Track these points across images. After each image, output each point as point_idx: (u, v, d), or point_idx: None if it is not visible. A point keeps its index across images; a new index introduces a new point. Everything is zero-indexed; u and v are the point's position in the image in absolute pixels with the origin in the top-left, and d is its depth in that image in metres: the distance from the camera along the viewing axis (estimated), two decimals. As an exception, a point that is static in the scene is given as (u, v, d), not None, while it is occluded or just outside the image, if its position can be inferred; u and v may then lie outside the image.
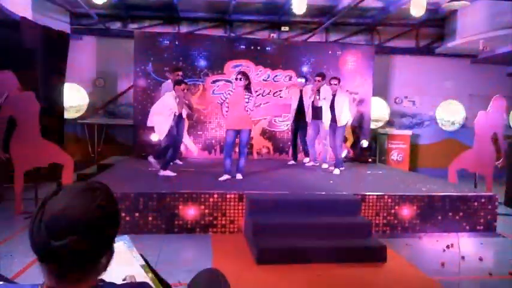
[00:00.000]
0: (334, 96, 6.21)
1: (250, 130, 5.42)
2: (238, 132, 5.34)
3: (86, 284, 0.96)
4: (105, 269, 1.00)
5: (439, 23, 9.17)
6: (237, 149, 5.62)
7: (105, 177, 5.43)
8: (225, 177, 5.31)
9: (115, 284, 1.04)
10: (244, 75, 5.34)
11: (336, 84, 6.19)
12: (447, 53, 9.19)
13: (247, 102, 5.23)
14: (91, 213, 0.91)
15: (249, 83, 5.35)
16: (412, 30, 9.28)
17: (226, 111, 5.57)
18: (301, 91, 6.94)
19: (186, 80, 7.27)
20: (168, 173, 5.48)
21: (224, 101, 5.44)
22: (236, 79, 5.35)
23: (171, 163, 5.83)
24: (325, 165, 6.75)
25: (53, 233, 0.88)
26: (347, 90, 6.42)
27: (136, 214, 4.34)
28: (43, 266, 0.93)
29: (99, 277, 1.01)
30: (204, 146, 7.76)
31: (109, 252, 0.99)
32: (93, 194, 0.95)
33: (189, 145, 7.57)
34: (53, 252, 0.88)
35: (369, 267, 3.67)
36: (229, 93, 5.41)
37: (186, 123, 7.30)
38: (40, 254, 0.91)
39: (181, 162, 6.80)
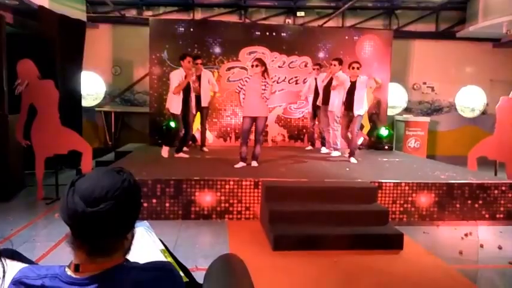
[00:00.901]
0: (354, 82, 5.91)
1: (266, 118, 5.43)
2: (254, 120, 5.34)
3: (112, 261, 1.00)
4: (129, 248, 1.06)
5: (460, 6, 8.88)
6: (252, 136, 5.62)
7: (123, 164, 5.52)
8: (241, 164, 5.35)
9: (138, 263, 1.07)
10: (261, 61, 5.34)
11: (358, 69, 5.87)
12: (468, 37, 8.89)
13: (264, 90, 5.21)
14: (120, 184, 1.00)
15: (266, 70, 5.32)
16: (432, 14, 9.01)
17: (243, 99, 5.55)
18: (315, 78, 6.93)
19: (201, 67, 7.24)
20: (181, 155, 5.93)
21: (242, 88, 5.40)
22: (252, 66, 5.37)
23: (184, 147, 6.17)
24: (336, 153, 6.58)
25: (89, 202, 0.95)
26: (371, 78, 6.03)
27: (154, 200, 4.41)
28: (74, 241, 0.98)
29: (125, 256, 1.06)
30: (220, 134, 7.78)
31: (132, 231, 1.06)
32: (118, 173, 1.03)
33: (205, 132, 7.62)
34: (89, 219, 0.94)
35: (385, 254, 3.66)
36: (246, 81, 5.38)
37: (205, 113, 7.30)
38: (77, 223, 0.96)
39: (206, 150, 6.88)
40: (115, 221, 0.97)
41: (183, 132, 5.84)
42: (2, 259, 1.00)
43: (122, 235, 1.03)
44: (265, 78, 5.28)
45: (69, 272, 0.98)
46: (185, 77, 5.69)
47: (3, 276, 0.96)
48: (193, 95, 5.95)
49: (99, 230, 0.96)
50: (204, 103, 6.60)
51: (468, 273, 3.33)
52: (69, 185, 1.00)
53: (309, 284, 3.07)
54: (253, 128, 5.44)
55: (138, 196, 1.06)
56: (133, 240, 1.08)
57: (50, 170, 5.40)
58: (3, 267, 0.94)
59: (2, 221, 4.29)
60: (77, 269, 0.98)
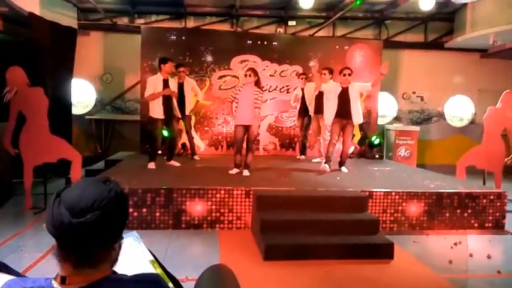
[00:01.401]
0: (346, 88, 5.80)
1: (258, 126, 5.56)
2: (246, 128, 5.40)
3: (99, 273, 0.99)
4: (116, 259, 1.05)
5: (448, 17, 9.05)
6: (244, 145, 5.62)
7: (113, 172, 5.47)
8: (235, 170, 5.52)
9: (126, 275, 1.06)
10: (254, 71, 5.40)
11: (349, 75, 5.78)
12: (456, 48, 9.06)
13: (257, 99, 5.28)
14: (105, 195, 0.99)
15: (258, 80, 5.40)
16: (421, 24, 9.17)
17: (236, 108, 5.59)
18: (302, 88, 7.05)
19: (191, 75, 7.31)
20: (172, 163, 5.96)
21: (235, 98, 5.47)
22: (245, 75, 5.41)
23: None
24: (316, 160, 6.89)
25: (75, 212, 0.94)
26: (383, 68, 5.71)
27: (144, 210, 4.37)
28: (60, 252, 0.97)
29: (112, 267, 1.05)
30: (211, 142, 7.77)
31: (119, 241, 1.06)
32: (104, 183, 1.03)
33: (196, 141, 7.60)
34: (74, 230, 0.94)
35: (376, 264, 3.67)
36: (239, 90, 5.44)
37: (192, 121, 7.35)
38: (62, 234, 0.96)
39: (197, 158, 6.87)
40: (101, 231, 0.97)
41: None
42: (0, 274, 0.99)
43: (108, 246, 1.02)
44: (257, 88, 5.34)
45: (55, 285, 0.98)
46: (163, 87, 5.67)
47: None
48: (174, 100, 5.94)
49: (86, 241, 0.96)
50: (187, 111, 6.64)
51: (458, 282, 3.36)
52: (55, 195, 0.99)
53: (300, 294, 3.05)
54: (245, 136, 5.48)
55: (125, 206, 1.05)
56: (121, 250, 1.07)
57: (38, 179, 5.33)
58: None
59: (-11, 231, 4.21)
60: (63, 281, 0.97)
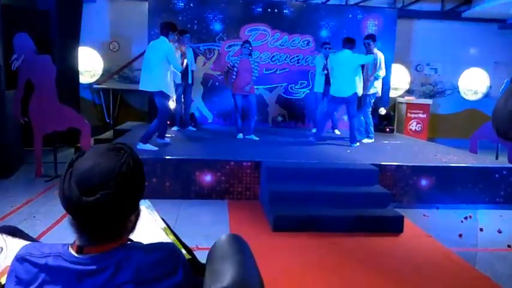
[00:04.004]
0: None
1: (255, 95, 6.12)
2: (245, 97, 5.95)
3: (115, 243, 0.98)
4: (133, 228, 1.04)
5: (468, -15, 8.65)
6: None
7: (122, 142, 5.46)
8: (241, 135, 6.10)
9: (141, 243, 1.05)
10: (249, 42, 6.07)
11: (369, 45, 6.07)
12: (474, 17, 8.70)
13: (256, 69, 5.91)
14: (118, 169, 0.93)
15: (251, 51, 6.05)
16: (438, -8, 8.80)
17: (234, 77, 5.93)
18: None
19: (199, 44, 7.20)
20: (148, 146, 4.92)
21: (232, 68, 5.90)
22: (245, 47, 5.91)
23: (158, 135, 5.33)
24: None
25: (84, 190, 0.90)
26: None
27: (154, 179, 4.38)
28: (75, 224, 0.95)
29: (128, 236, 1.04)
30: (219, 113, 7.70)
31: (136, 211, 1.03)
32: (118, 152, 0.98)
33: (204, 112, 7.55)
34: (85, 208, 0.91)
35: (385, 237, 3.67)
36: (236, 62, 5.92)
37: (201, 91, 7.28)
38: (73, 211, 0.93)
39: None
40: (114, 207, 0.94)
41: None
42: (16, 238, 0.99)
43: (123, 219, 1.00)
44: (252, 58, 5.99)
45: (72, 252, 0.97)
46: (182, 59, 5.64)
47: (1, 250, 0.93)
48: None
49: (97, 219, 0.93)
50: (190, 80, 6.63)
51: (467, 256, 3.35)
52: (67, 166, 0.95)
53: (309, 265, 3.08)
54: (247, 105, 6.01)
55: (140, 177, 1.00)
56: (139, 217, 1.05)
57: (48, 147, 5.35)
58: (5, 242, 0.91)
59: (2, 198, 4.27)
60: (80, 250, 0.96)
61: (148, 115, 7.54)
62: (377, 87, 6.25)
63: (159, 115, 5.05)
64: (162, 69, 4.86)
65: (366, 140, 6.30)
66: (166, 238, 1.37)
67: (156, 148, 4.90)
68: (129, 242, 1.03)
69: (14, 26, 5.16)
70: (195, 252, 1.40)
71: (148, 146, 4.88)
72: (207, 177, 4.47)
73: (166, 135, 5.50)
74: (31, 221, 3.68)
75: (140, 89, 5.08)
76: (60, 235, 3.33)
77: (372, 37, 6.15)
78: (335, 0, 8.49)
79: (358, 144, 5.91)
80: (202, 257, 1.30)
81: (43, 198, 4.35)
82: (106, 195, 0.91)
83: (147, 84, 4.95)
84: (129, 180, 0.95)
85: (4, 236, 1.17)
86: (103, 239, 0.97)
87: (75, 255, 0.96)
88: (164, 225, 1.42)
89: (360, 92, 5.81)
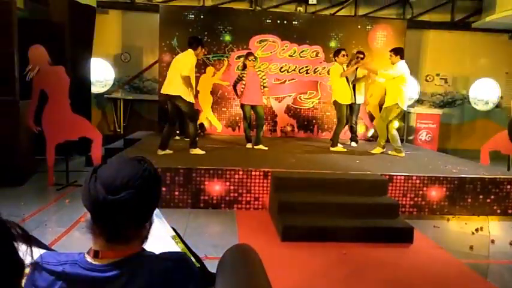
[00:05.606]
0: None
1: (262, 105, 6.19)
2: (253, 107, 6.06)
3: (130, 249, 1.01)
4: (146, 237, 1.07)
5: (477, -5, 8.65)
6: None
7: (132, 151, 5.53)
8: (249, 144, 6.14)
9: (154, 253, 1.07)
10: (254, 55, 6.21)
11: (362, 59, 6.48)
12: (484, 28, 8.68)
13: (263, 79, 6.03)
14: (141, 173, 1.00)
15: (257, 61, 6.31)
16: (447, 3, 8.80)
17: (243, 89, 6.08)
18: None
19: (210, 55, 7.33)
20: (197, 151, 5.37)
21: (240, 80, 6.09)
22: (250, 60, 6.02)
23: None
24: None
25: (110, 190, 0.96)
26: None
27: (164, 189, 4.42)
28: (94, 227, 0.99)
29: (142, 245, 1.07)
30: (228, 123, 7.76)
31: (150, 220, 1.07)
32: (139, 162, 1.04)
33: (213, 121, 7.60)
34: (110, 206, 0.95)
35: (395, 247, 3.64)
36: (244, 73, 6.06)
37: (210, 101, 7.37)
38: (97, 209, 0.97)
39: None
40: (134, 209, 0.98)
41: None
42: (30, 246, 0.99)
43: (140, 224, 1.04)
44: (258, 70, 6.16)
45: (88, 259, 0.99)
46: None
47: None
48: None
49: (119, 218, 0.97)
50: None
51: (478, 268, 3.30)
52: (92, 171, 1.01)
53: (318, 275, 3.06)
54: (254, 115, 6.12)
55: (158, 186, 1.06)
56: (151, 228, 1.09)
57: (60, 156, 5.43)
58: (31, 254, 0.94)
59: (15, 205, 4.34)
60: (96, 255, 0.99)
61: (158, 124, 7.63)
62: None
63: (190, 119, 5.41)
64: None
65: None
66: (175, 246, 1.39)
67: (203, 152, 5.39)
68: (142, 252, 1.06)
69: (30, 37, 5.29)
70: (203, 261, 1.41)
71: (199, 150, 5.37)
72: (216, 187, 4.49)
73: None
74: (42, 229, 3.73)
75: (162, 92, 5.48)
76: (71, 243, 3.37)
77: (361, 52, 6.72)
78: (344, 11, 8.56)
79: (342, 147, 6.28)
80: (211, 266, 1.32)
81: (54, 207, 4.41)
82: (130, 194, 0.96)
83: (169, 88, 5.24)
84: (150, 184, 1.01)
85: (30, 246, 1.18)
86: (120, 242, 1.00)
87: (92, 262, 0.98)
88: (173, 233, 1.44)
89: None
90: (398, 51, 5.84)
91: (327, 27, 7.76)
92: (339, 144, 6.30)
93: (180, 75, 5.07)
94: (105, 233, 0.99)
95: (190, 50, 5.24)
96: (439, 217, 4.60)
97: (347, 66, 6.38)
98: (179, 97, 5.13)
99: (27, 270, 0.96)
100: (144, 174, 1.00)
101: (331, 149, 6.21)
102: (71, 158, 5.85)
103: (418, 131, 8.34)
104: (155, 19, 7.53)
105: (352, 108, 6.62)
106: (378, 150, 6.13)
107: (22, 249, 0.84)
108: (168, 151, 5.32)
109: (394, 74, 5.70)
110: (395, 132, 6.01)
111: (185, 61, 5.15)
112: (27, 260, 0.86)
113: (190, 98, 5.18)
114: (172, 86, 5.16)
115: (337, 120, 6.27)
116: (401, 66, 5.73)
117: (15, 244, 0.82)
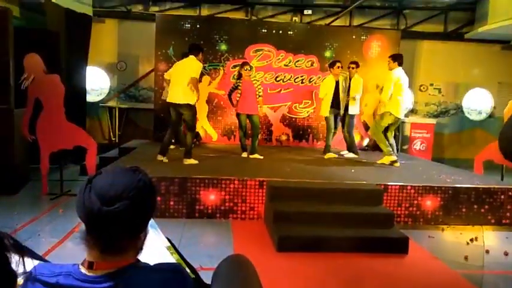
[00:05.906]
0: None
1: (258, 115, 6.21)
2: (248, 116, 6.06)
3: (125, 260, 1.01)
4: (141, 248, 1.07)
5: (469, 7, 8.79)
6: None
7: (127, 160, 5.51)
8: (245, 153, 6.16)
9: (149, 264, 1.07)
10: (249, 64, 6.23)
11: (353, 68, 6.53)
12: (477, 39, 8.81)
13: (258, 88, 6.03)
14: (136, 184, 1.00)
15: (250, 70, 6.20)
16: (440, 14, 8.93)
17: (239, 98, 6.07)
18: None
19: (206, 64, 7.35)
20: (192, 161, 5.38)
21: (236, 89, 6.08)
22: (246, 69, 6.00)
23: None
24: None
25: (104, 201, 0.95)
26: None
27: (159, 198, 4.39)
28: (88, 238, 0.98)
29: (137, 256, 1.06)
30: (224, 132, 7.76)
31: (145, 231, 1.07)
32: (134, 173, 1.04)
33: (209, 130, 7.61)
34: (104, 217, 0.95)
35: (390, 258, 3.63)
36: (240, 82, 6.03)
37: (206, 110, 7.39)
38: (92, 220, 0.97)
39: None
40: (129, 220, 0.98)
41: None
42: (22, 257, 0.99)
43: (135, 235, 1.04)
44: (253, 79, 6.14)
45: (82, 270, 0.99)
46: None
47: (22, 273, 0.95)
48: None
49: (114, 229, 0.97)
50: None
51: (473, 278, 3.31)
52: (86, 182, 1.00)
53: (313, 286, 3.05)
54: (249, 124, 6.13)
55: (153, 196, 1.06)
56: (146, 239, 1.08)
57: (54, 165, 5.40)
58: (24, 264, 0.94)
59: (8, 215, 4.30)
60: (90, 266, 0.98)
61: (154, 133, 7.62)
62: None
63: (189, 129, 5.45)
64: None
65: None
66: (170, 257, 1.38)
67: (197, 162, 5.39)
68: (137, 263, 1.05)
69: (26, 46, 5.29)
70: (198, 272, 1.41)
71: (192, 161, 5.37)
72: (211, 196, 4.47)
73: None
74: (36, 239, 3.69)
75: (168, 101, 5.41)
76: (64, 254, 3.33)
77: (355, 63, 6.69)
78: (339, 21, 8.66)
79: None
80: (206, 277, 1.31)
81: (48, 217, 4.36)
82: (125, 205, 0.96)
83: (177, 97, 5.25)
84: (145, 195, 1.01)
85: (25, 258, 1.18)
86: (114, 253, 0.99)
87: (86, 273, 0.98)
88: (168, 244, 1.44)
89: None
90: (396, 58, 5.90)
91: (322, 37, 7.83)
92: (330, 152, 6.45)
93: (187, 81, 5.14)
94: (100, 244, 0.98)
95: (192, 57, 5.31)
96: (434, 227, 4.61)
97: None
98: (187, 105, 5.22)
99: (20, 281, 0.95)
100: (138, 185, 1.00)
101: (324, 156, 6.40)
102: (65, 167, 5.81)
103: (413, 140, 8.40)
104: (151, 28, 7.56)
105: (344, 119, 6.65)
106: (386, 159, 5.94)
107: (15, 259, 0.84)
108: (164, 159, 5.37)
109: (392, 81, 5.71)
110: (393, 141, 6.06)
111: (193, 66, 5.22)
112: (20, 270, 0.86)
113: (194, 101, 5.28)
114: (181, 94, 5.21)
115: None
116: (398, 72, 5.76)
117: (8, 254, 0.82)
